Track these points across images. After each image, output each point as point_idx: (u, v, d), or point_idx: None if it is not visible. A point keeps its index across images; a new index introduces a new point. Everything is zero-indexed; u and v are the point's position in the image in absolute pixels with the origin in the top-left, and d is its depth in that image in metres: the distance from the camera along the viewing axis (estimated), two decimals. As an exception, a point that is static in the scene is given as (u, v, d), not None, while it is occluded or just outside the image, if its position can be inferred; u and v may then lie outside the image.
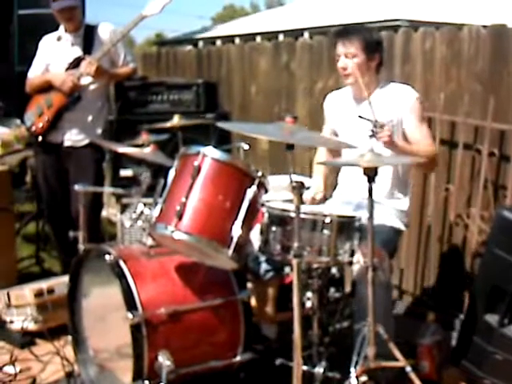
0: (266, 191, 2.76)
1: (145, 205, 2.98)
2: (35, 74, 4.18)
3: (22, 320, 3.56)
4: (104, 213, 4.97)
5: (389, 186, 3.15)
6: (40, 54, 4.21)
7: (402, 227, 3.19)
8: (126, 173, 4.28)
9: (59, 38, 4.14)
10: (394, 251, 3.20)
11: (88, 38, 4.10)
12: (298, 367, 2.41)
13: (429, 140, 3.14)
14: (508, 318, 2.95)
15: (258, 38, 11.78)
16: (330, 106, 3.40)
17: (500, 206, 3.52)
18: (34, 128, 4.10)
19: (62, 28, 4.13)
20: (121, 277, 2.70)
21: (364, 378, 2.48)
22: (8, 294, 3.64)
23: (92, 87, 4.07)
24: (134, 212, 2.99)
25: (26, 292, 3.62)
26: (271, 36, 11.16)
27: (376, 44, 3.15)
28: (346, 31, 3.17)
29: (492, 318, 3.00)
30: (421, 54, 4.00)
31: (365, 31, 3.18)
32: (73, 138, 4.10)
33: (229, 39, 12.70)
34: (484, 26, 3.72)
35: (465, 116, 3.71)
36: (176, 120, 3.57)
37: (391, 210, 3.14)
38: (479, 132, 3.70)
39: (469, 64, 3.74)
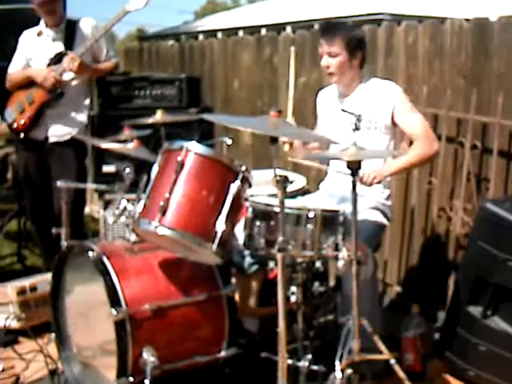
0: (250, 185, 2.75)
1: (128, 201, 2.96)
2: (16, 69, 4.13)
3: (4, 318, 3.53)
4: (87, 209, 4.94)
5: None
6: (20, 50, 4.16)
7: (385, 221, 3.20)
8: (108, 169, 4.25)
9: (40, 33, 4.10)
10: (377, 246, 3.22)
11: (69, 33, 4.06)
12: (283, 361, 2.41)
13: (429, 134, 3.08)
14: (491, 309, 2.97)
15: (241, 33, 11.74)
16: (320, 102, 3.41)
17: (483, 198, 3.55)
18: (15, 125, 4.05)
19: (42, 23, 4.09)
20: (104, 273, 2.68)
21: (349, 371, 2.48)
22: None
23: (74, 83, 4.04)
24: (117, 208, 2.96)
25: (9, 290, 3.59)
26: (254, 30, 11.13)
27: (358, 42, 3.15)
28: (329, 29, 3.16)
29: (475, 310, 3.02)
30: (404, 47, 4.01)
31: (348, 29, 3.16)
32: (55, 134, 4.07)
33: (211, 34, 12.65)
34: (466, 20, 3.73)
35: (447, 109, 3.72)
36: (159, 115, 3.55)
37: (374, 203, 3.14)
38: (462, 125, 3.72)
39: (451, 57, 3.75)
